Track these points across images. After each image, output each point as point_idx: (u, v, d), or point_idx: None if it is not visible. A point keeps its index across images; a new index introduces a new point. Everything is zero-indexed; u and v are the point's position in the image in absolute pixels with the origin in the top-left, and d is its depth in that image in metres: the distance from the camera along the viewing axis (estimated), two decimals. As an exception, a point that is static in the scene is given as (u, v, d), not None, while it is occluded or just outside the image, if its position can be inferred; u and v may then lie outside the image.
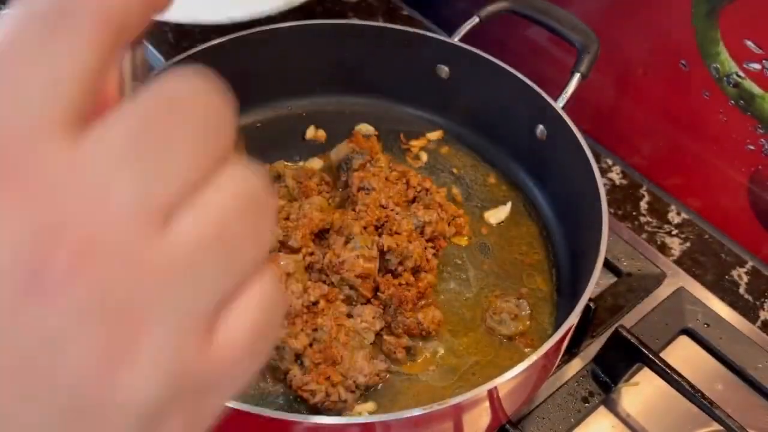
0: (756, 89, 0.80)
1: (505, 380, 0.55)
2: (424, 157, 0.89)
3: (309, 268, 0.71)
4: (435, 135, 0.92)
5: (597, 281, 0.62)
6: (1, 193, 0.18)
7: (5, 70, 0.19)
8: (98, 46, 0.20)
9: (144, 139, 0.19)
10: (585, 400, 0.72)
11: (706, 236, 0.91)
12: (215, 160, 0.21)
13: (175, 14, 0.71)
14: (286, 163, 0.83)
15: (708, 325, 0.79)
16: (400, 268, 0.71)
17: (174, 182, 0.20)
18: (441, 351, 0.70)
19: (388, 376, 0.67)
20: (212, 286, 0.21)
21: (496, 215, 0.83)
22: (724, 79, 0.82)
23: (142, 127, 0.19)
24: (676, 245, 0.90)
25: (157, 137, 0.20)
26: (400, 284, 0.70)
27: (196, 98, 0.21)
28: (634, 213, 0.94)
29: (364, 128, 0.91)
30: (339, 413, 0.64)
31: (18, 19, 0.19)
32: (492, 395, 0.57)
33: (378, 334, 0.69)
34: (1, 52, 0.19)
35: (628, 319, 0.79)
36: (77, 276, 0.18)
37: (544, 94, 0.79)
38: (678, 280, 0.84)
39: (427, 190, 0.80)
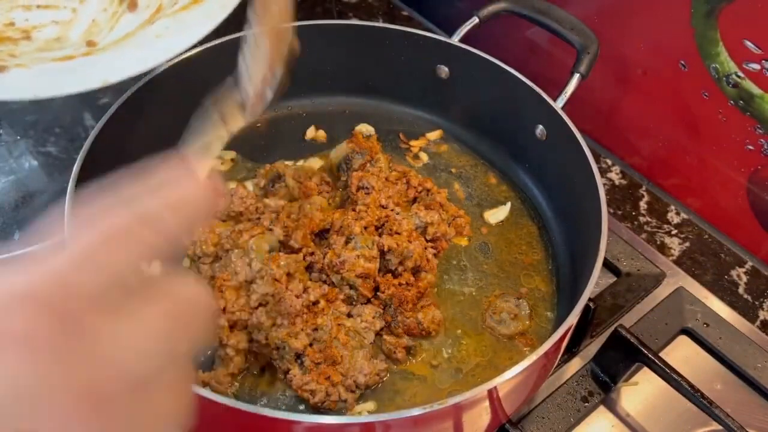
0: (755, 89, 0.80)
1: (505, 380, 0.55)
2: (424, 157, 0.89)
3: (309, 268, 0.71)
4: (435, 135, 0.92)
5: (596, 281, 0.62)
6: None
7: (99, 249, 0.29)
8: (146, 252, 0.31)
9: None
10: (585, 399, 0.72)
11: (706, 236, 0.92)
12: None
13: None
14: (286, 163, 0.83)
15: (707, 325, 0.79)
16: (400, 268, 0.72)
17: None
18: (441, 350, 0.70)
19: (388, 375, 0.67)
20: None
21: (496, 215, 0.83)
22: (724, 79, 0.82)
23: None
24: (675, 245, 0.90)
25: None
26: (400, 284, 0.70)
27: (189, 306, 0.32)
28: (633, 213, 0.94)
29: (364, 128, 0.91)
30: (339, 413, 0.64)
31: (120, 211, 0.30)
32: (492, 395, 0.57)
33: (378, 334, 0.69)
34: (105, 235, 0.30)
35: (628, 319, 0.79)
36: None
37: (544, 94, 0.79)
38: (677, 279, 0.84)
39: (428, 190, 0.80)
